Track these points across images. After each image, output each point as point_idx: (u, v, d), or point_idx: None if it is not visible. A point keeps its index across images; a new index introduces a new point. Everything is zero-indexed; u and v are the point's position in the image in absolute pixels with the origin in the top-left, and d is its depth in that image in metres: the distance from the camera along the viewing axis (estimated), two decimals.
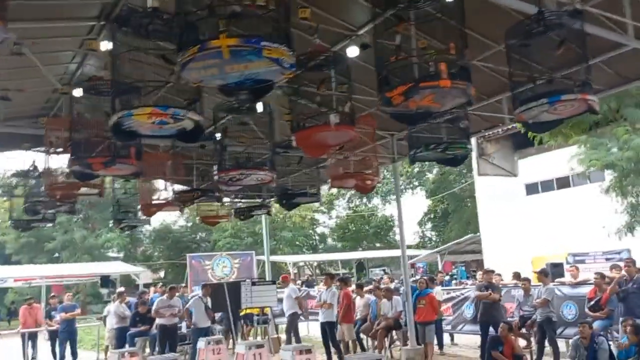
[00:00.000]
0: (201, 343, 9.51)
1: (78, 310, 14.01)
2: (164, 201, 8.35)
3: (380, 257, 37.76)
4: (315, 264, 36.64)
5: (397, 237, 46.58)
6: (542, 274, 10.52)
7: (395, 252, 36.21)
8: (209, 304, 11.74)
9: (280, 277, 12.97)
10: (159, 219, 41.31)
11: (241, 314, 13.50)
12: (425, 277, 12.08)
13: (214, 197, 8.29)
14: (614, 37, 6.11)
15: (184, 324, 12.62)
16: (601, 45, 7.01)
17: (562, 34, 4.67)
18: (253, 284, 13.67)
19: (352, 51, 6.03)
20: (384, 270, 36.11)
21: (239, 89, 3.53)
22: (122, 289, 14.43)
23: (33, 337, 13.68)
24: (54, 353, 13.56)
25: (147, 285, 23.00)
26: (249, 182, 6.04)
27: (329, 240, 45.88)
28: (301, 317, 14.21)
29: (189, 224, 40.98)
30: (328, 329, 10.74)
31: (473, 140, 20.69)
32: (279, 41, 3.16)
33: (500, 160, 19.88)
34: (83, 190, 6.69)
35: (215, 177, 5.99)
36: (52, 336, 13.69)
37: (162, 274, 40.21)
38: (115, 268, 26.77)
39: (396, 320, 11.20)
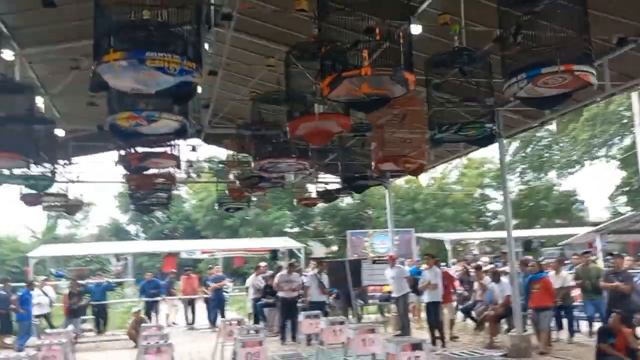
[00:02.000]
0: (301, 316, 10.20)
1: (225, 281, 15.88)
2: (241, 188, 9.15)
3: (557, 234, 34.89)
4: (477, 242, 35.25)
5: (583, 214, 42.55)
6: None
7: (570, 230, 33.16)
8: (323, 280, 12.43)
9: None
10: None
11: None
12: (537, 260, 11.26)
13: (276, 182, 8.74)
14: None
15: None
16: None
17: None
18: (374, 262, 14.12)
19: None
20: (561, 249, 33.47)
21: (167, 94, 3.95)
22: (261, 263, 15.91)
23: (191, 302, 15.91)
24: (209, 317, 15.63)
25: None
26: (285, 169, 6.42)
27: (503, 217, 43.59)
28: None
29: (356, 202, 42.39)
30: (432, 309, 10.71)
31: None
32: (169, 50, 3.50)
33: None
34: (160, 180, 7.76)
35: (253, 166, 6.50)
36: (207, 302, 15.78)
37: (334, 248, 42.46)
38: (282, 243, 29.06)
39: (506, 306, 10.66)
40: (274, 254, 29.32)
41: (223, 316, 15.30)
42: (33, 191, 8.12)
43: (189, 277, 16.10)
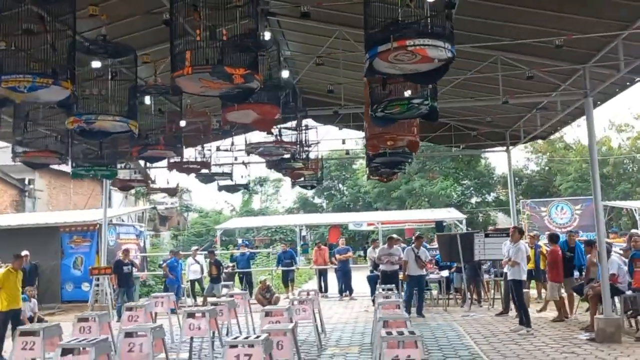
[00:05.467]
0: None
1: (349, 253, 16.59)
2: None
3: None
4: None
5: None
6: None
7: None
8: (421, 255, 12.35)
9: None
10: (505, 166, 41.20)
11: None
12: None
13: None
14: None
15: None
16: None
17: None
18: (486, 235, 13.45)
19: None
20: None
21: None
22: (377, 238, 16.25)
23: (323, 272, 17.01)
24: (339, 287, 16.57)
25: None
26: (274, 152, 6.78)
27: None
28: None
29: (544, 168, 39.18)
30: (513, 288, 10.03)
31: None
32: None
33: None
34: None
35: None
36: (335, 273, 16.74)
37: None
38: (446, 214, 28.59)
39: (611, 286, 9.43)
40: (439, 225, 29.07)
41: (348, 286, 16.11)
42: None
43: (320, 249, 17.20)
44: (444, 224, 28.97)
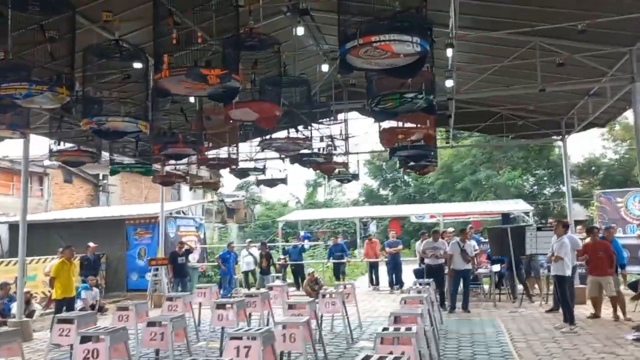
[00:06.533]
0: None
1: (400, 247, 16.40)
2: None
3: None
4: None
5: None
6: None
7: None
8: (467, 249, 12.04)
9: None
10: (581, 152, 38.93)
11: None
12: None
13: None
14: None
15: None
16: None
17: None
18: (539, 229, 12.89)
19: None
20: None
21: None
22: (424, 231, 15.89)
23: (374, 265, 16.96)
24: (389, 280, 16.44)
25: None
26: (288, 148, 6.86)
27: None
28: None
29: (624, 156, 36.77)
30: (557, 283, 9.57)
31: None
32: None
33: None
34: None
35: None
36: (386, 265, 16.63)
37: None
38: (512, 206, 27.52)
39: None
40: (505, 217, 28.01)
41: (399, 279, 15.96)
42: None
43: (371, 242, 17.15)
44: (511, 216, 27.86)
